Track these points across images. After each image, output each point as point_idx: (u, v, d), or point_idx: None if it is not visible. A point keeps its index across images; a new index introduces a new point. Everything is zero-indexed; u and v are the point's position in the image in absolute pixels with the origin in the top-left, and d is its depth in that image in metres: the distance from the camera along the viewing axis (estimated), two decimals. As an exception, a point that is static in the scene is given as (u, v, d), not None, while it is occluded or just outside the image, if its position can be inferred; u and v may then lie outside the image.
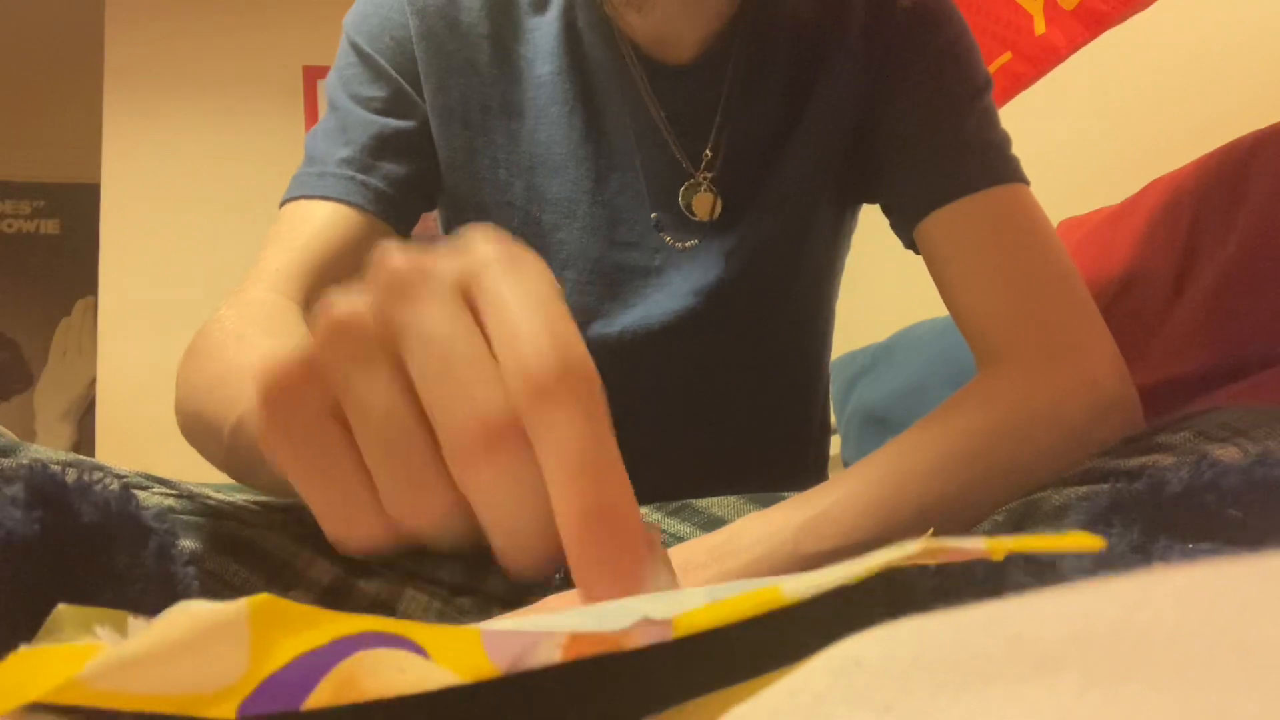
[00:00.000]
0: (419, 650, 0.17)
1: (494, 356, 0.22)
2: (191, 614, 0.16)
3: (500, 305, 0.22)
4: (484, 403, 0.21)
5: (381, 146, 0.61)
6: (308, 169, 0.61)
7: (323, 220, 0.58)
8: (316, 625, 0.17)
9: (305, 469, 0.23)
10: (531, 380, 0.21)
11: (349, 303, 0.23)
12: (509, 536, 0.22)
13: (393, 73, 0.62)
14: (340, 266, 0.57)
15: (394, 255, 0.23)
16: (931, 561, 0.22)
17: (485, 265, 0.23)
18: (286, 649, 0.16)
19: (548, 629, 0.18)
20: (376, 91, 0.62)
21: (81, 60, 2.92)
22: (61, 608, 0.19)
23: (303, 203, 0.59)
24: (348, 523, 0.23)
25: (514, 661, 0.17)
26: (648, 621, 0.18)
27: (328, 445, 0.22)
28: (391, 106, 0.62)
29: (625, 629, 0.18)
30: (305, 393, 0.23)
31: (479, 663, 0.17)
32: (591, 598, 0.21)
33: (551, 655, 0.17)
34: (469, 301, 0.23)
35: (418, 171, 0.62)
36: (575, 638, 0.17)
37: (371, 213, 0.59)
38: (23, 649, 0.16)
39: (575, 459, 0.21)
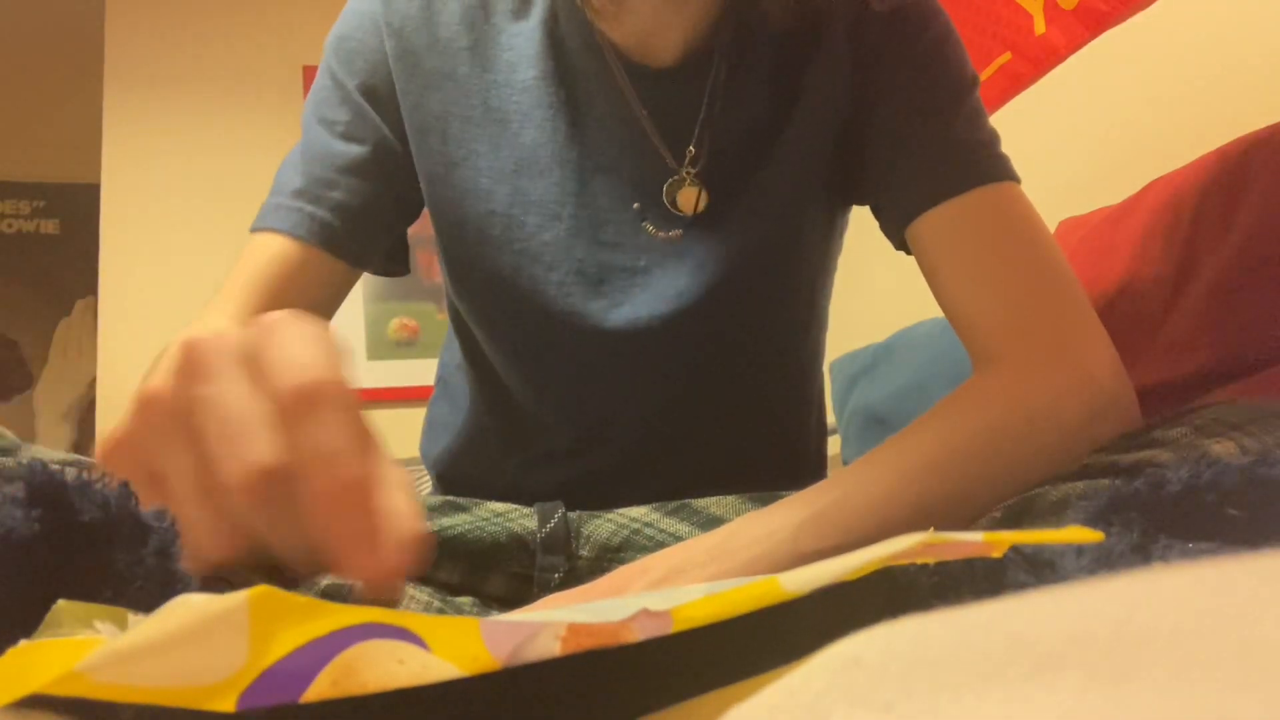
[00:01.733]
0: (418, 641, 0.17)
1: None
2: (191, 606, 0.16)
3: (274, 359, 0.26)
4: (252, 452, 0.25)
5: (338, 174, 0.62)
6: (270, 198, 0.63)
7: (272, 253, 0.61)
8: (316, 616, 0.17)
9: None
10: (283, 398, 0.25)
11: (158, 382, 0.27)
12: (307, 560, 0.26)
13: (358, 97, 0.63)
14: (288, 297, 0.60)
15: (197, 336, 0.27)
16: (931, 558, 0.22)
17: (266, 329, 0.27)
18: (286, 640, 0.16)
19: (546, 620, 0.18)
20: (339, 115, 0.63)
21: (81, 60, 2.92)
22: (61, 603, 0.19)
23: (260, 234, 0.62)
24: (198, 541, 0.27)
25: (513, 653, 0.17)
26: (647, 613, 0.18)
27: (148, 498, 0.25)
28: (351, 131, 0.63)
29: (624, 620, 0.18)
30: (127, 457, 0.28)
31: (478, 654, 0.17)
32: (348, 575, 0.25)
33: (550, 647, 0.17)
34: (256, 366, 0.27)
35: (380, 197, 0.64)
36: (574, 629, 0.17)
37: (316, 245, 0.61)
38: (22, 643, 0.16)
39: (331, 478, 0.24)
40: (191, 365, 0.27)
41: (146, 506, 0.24)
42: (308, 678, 0.16)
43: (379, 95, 0.64)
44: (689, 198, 0.62)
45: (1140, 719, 0.11)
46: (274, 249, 0.61)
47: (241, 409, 0.25)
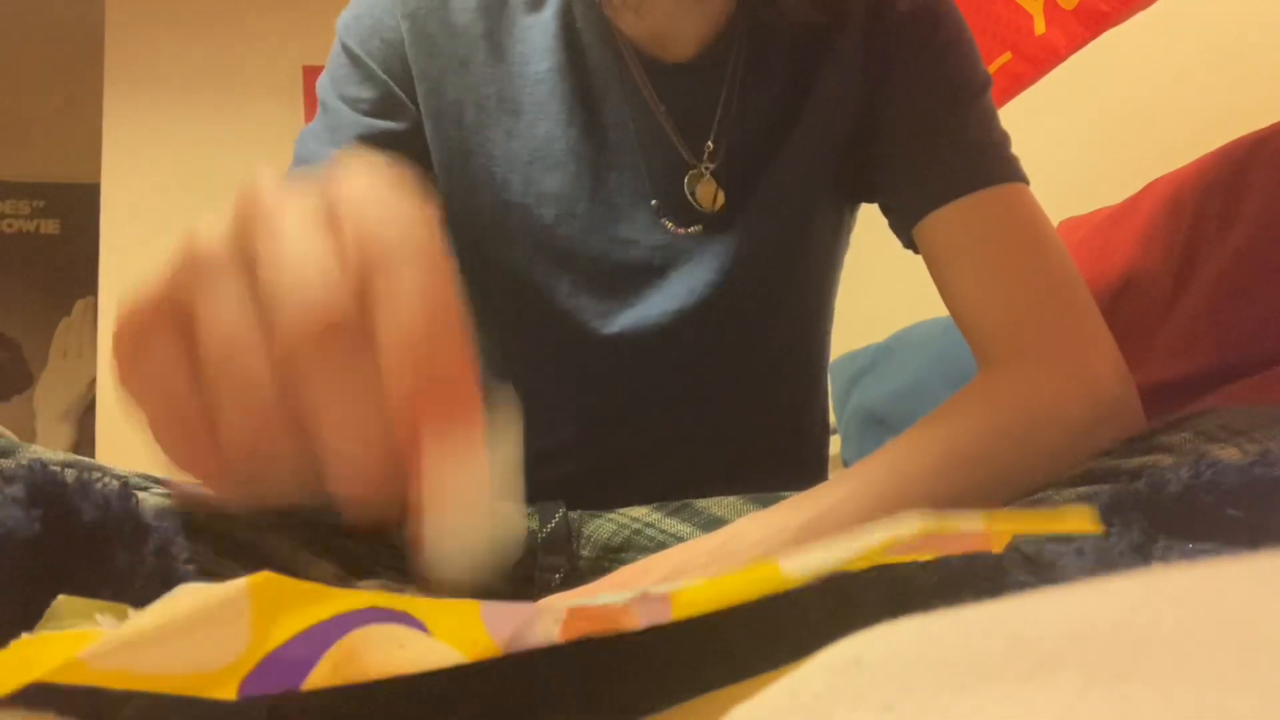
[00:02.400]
0: (419, 625, 0.17)
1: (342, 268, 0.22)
2: (193, 594, 0.16)
3: (351, 204, 0.23)
4: (315, 295, 0.22)
5: (370, 147, 0.61)
6: (295, 170, 0.62)
7: None
8: (317, 601, 0.17)
9: (152, 403, 0.24)
10: (369, 247, 0.22)
11: (207, 234, 0.24)
12: (345, 462, 0.22)
13: (382, 75, 0.62)
14: None
15: (253, 185, 0.24)
16: (930, 553, 0.22)
17: (348, 187, 0.24)
18: (287, 625, 0.16)
19: (546, 605, 0.18)
20: (366, 93, 0.62)
21: (81, 60, 2.92)
22: (62, 598, 0.19)
23: None
24: (191, 458, 0.23)
25: (513, 637, 0.17)
26: (647, 597, 0.18)
27: (172, 377, 0.23)
28: (380, 108, 0.62)
29: (624, 603, 0.18)
30: (155, 330, 0.24)
31: (478, 638, 0.17)
32: (425, 472, 0.22)
33: (550, 631, 0.17)
34: (327, 218, 0.23)
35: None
36: (574, 613, 0.17)
37: None
38: (24, 636, 0.16)
39: (408, 326, 0.22)
40: (253, 214, 0.24)
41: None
42: (309, 664, 0.16)
43: (397, 75, 0.63)
44: (708, 192, 0.61)
45: (1140, 719, 0.11)
46: None
47: (314, 256, 0.22)
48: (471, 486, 0.22)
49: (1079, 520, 0.21)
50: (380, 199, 0.23)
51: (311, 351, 0.22)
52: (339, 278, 0.22)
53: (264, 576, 0.17)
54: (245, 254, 0.23)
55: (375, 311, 0.22)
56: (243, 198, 0.24)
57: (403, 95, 0.62)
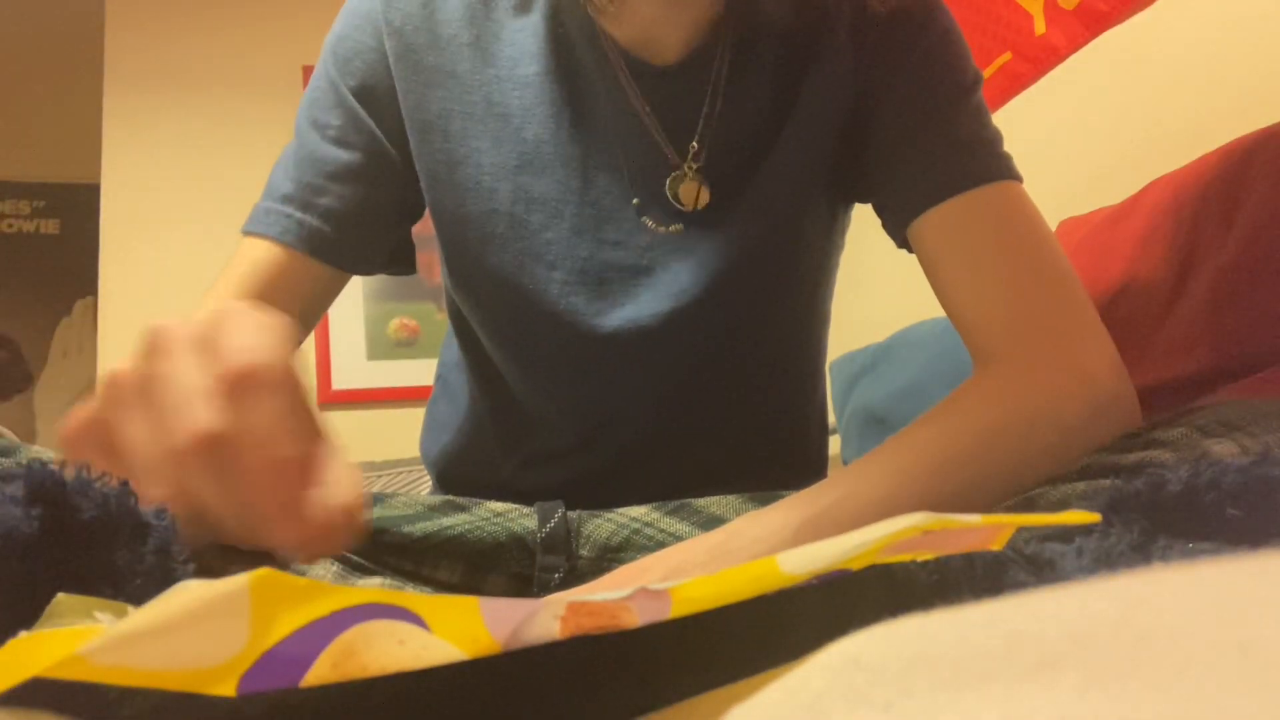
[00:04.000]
0: (419, 621, 0.17)
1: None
2: (193, 590, 0.16)
3: (221, 344, 0.29)
4: (194, 417, 0.28)
5: (328, 179, 0.62)
6: (261, 202, 0.63)
7: (259, 256, 0.61)
8: (318, 597, 0.17)
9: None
10: (222, 380, 0.28)
11: (120, 366, 0.30)
12: (243, 527, 0.29)
13: (352, 101, 0.63)
14: (274, 299, 0.61)
15: (155, 323, 0.30)
16: (930, 552, 0.22)
17: (221, 317, 0.30)
18: (287, 622, 0.16)
19: (545, 600, 0.18)
20: (332, 119, 0.63)
21: (81, 60, 2.92)
22: (61, 596, 0.19)
23: (249, 237, 0.62)
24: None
25: (513, 634, 0.17)
26: (645, 593, 0.18)
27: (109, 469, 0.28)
28: (343, 136, 0.63)
29: (622, 599, 0.18)
30: (90, 434, 0.31)
31: (478, 635, 0.17)
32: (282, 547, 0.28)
33: (550, 627, 0.17)
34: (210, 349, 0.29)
35: (369, 202, 0.64)
36: (573, 608, 0.17)
37: (303, 251, 0.62)
38: (23, 634, 0.16)
39: (265, 443, 0.28)
40: (153, 347, 0.30)
41: (107, 478, 0.25)
42: (308, 660, 0.16)
43: (376, 96, 0.63)
44: (690, 192, 0.62)
45: (1140, 719, 0.11)
46: (260, 253, 0.61)
47: (189, 382, 0.28)
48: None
49: (1076, 518, 0.21)
50: (249, 331, 0.29)
51: (196, 454, 0.28)
52: (210, 398, 0.28)
53: (265, 573, 0.17)
54: (145, 381, 0.30)
55: (240, 431, 0.28)
56: (149, 331, 0.30)
57: (370, 122, 0.63)
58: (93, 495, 0.22)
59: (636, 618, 0.18)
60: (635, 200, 0.62)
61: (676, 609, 0.18)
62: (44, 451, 0.42)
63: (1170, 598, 0.13)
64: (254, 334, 0.29)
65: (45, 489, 0.21)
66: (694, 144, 0.62)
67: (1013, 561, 0.24)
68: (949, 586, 0.23)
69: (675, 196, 0.62)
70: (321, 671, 0.16)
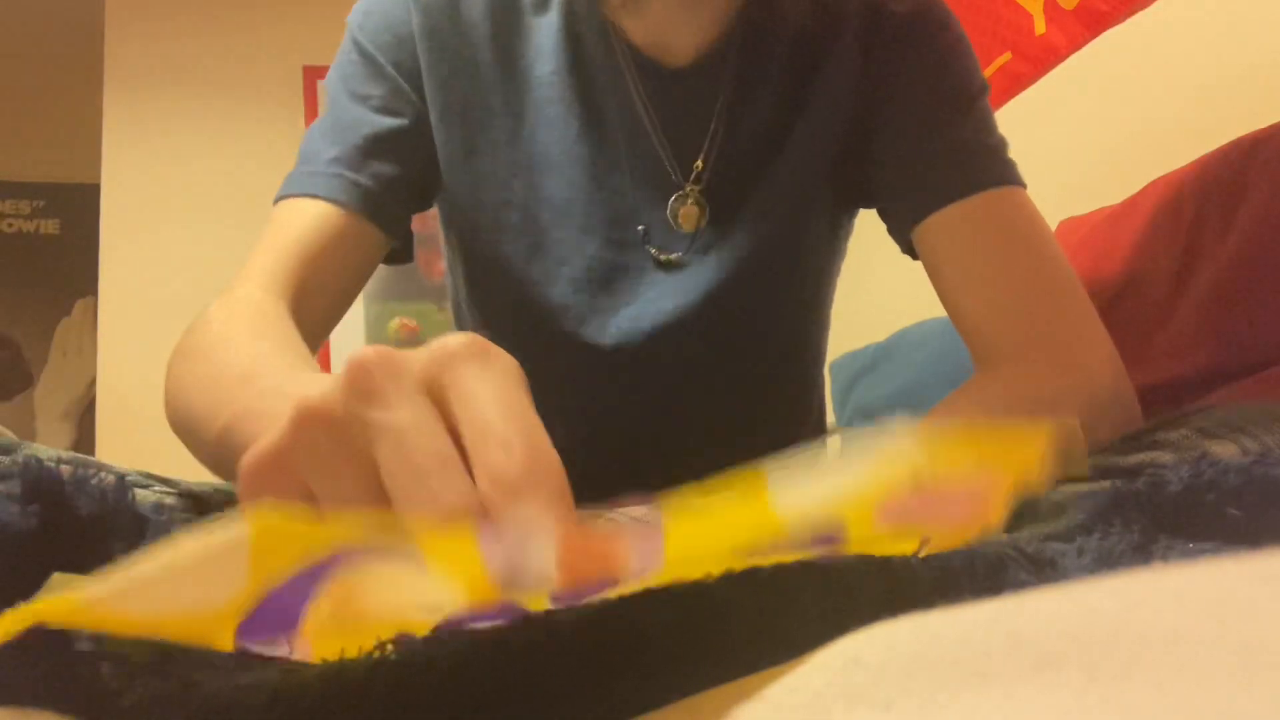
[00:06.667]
0: (417, 561, 0.17)
1: (459, 451, 0.23)
2: (193, 539, 0.16)
3: (468, 401, 0.24)
4: (447, 497, 0.22)
5: (374, 145, 0.61)
6: (300, 167, 0.61)
7: (310, 218, 0.58)
8: (315, 539, 0.17)
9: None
10: (500, 480, 0.22)
11: (320, 397, 0.24)
12: None
13: (391, 71, 0.62)
14: (327, 264, 0.58)
15: (366, 353, 0.24)
16: (922, 524, 0.22)
17: (453, 359, 0.24)
18: (284, 563, 0.17)
19: (541, 533, 0.18)
20: (373, 89, 0.62)
21: (81, 60, 2.92)
22: (57, 575, 0.19)
23: (293, 201, 0.60)
24: None
25: (506, 563, 0.17)
26: (638, 522, 0.18)
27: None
28: (387, 105, 0.62)
29: (618, 527, 0.18)
30: (277, 472, 0.24)
31: (475, 575, 0.17)
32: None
33: (545, 555, 0.17)
34: (437, 397, 0.24)
35: (409, 171, 0.62)
36: (567, 533, 0.18)
37: (358, 211, 0.59)
38: (20, 605, 0.16)
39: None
40: (363, 386, 0.24)
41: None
42: (305, 599, 0.16)
43: (407, 69, 0.63)
44: (690, 217, 0.62)
45: (1140, 718, 0.11)
46: (312, 214, 0.58)
47: (431, 447, 0.23)
48: None
49: (1035, 441, 0.20)
50: (494, 384, 0.24)
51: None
52: (462, 478, 0.23)
53: (265, 522, 0.17)
54: (358, 427, 0.24)
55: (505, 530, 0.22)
56: (356, 365, 0.24)
57: (409, 90, 0.62)
58: (90, 491, 0.22)
59: (631, 560, 0.18)
60: (640, 227, 0.62)
61: (670, 546, 0.18)
62: (42, 449, 0.42)
63: (1170, 598, 0.13)
64: (497, 387, 0.24)
65: (42, 485, 0.21)
66: (699, 162, 0.62)
67: (1013, 560, 0.24)
68: (950, 584, 0.23)
69: (675, 219, 0.62)
70: (320, 619, 0.16)
